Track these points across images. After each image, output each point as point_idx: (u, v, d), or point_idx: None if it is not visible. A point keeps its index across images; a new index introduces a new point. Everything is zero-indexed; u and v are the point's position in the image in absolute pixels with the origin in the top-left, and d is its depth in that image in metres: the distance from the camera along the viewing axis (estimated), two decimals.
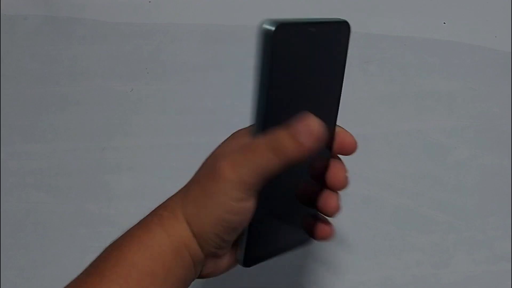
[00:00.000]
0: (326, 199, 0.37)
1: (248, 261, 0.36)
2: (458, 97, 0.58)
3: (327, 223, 0.38)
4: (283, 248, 0.38)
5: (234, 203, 0.31)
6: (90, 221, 0.54)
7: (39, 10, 0.63)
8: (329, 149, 0.37)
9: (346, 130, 0.37)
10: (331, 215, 0.37)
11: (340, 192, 0.38)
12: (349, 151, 0.36)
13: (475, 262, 0.52)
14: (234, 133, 0.36)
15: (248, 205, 0.31)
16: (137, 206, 0.55)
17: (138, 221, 0.34)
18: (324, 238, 0.38)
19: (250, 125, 0.32)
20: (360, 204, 0.54)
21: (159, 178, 0.55)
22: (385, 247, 0.53)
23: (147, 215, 0.34)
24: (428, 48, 0.60)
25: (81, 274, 0.33)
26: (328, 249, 0.53)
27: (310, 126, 0.30)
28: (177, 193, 0.35)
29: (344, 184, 0.37)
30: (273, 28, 0.30)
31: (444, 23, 0.61)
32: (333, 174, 0.37)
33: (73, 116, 0.58)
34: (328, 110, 0.35)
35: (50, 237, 0.53)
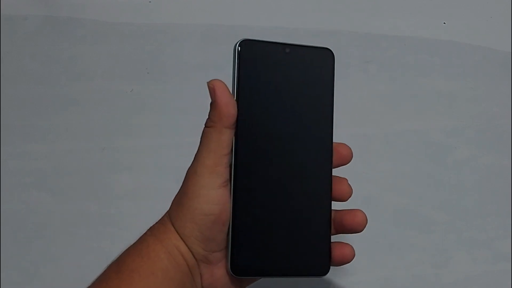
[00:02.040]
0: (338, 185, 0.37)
1: (236, 268, 0.35)
2: (458, 97, 0.58)
3: (345, 244, 0.37)
4: (287, 269, 0.36)
5: (205, 191, 0.33)
6: (90, 221, 0.54)
7: (39, 10, 0.63)
8: (329, 165, 0.37)
9: (340, 143, 0.38)
10: (358, 229, 0.37)
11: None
12: (346, 161, 0.38)
13: (475, 262, 0.52)
14: None
15: (220, 192, 0.34)
16: (137, 206, 0.55)
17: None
18: (343, 259, 0.37)
19: None
20: (360, 204, 0.54)
21: (159, 178, 0.55)
22: (385, 247, 0.53)
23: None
24: (428, 48, 0.60)
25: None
26: None
27: (211, 85, 0.34)
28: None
29: (349, 195, 0.38)
30: (238, 45, 0.35)
31: (444, 23, 0.61)
32: (336, 185, 0.38)
33: (73, 116, 0.58)
34: (319, 130, 0.36)
35: (50, 237, 0.53)
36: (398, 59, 0.60)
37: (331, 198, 0.37)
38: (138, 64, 0.61)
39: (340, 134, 0.57)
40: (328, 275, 0.53)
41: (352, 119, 0.57)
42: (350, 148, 0.37)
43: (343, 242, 0.37)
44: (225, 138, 0.34)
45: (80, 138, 0.57)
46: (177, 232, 0.34)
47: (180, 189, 0.35)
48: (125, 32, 0.62)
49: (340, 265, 0.37)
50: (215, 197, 0.34)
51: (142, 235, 0.36)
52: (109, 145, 0.57)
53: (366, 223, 0.37)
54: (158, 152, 0.56)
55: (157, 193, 0.54)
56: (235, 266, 0.35)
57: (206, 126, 0.35)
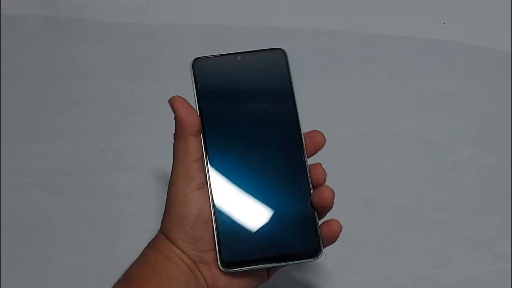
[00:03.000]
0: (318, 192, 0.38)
1: (225, 263, 0.36)
2: (458, 97, 0.58)
3: (330, 220, 0.38)
4: (278, 257, 0.37)
5: (181, 196, 0.36)
6: (90, 221, 0.54)
7: (39, 10, 0.63)
8: (301, 153, 0.39)
9: (312, 130, 0.39)
10: (327, 203, 0.37)
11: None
12: (321, 145, 0.39)
13: (475, 262, 0.52)
14: None
15: (195, 195, 0.36)
16: (137, 206, 0.55)
17: None
18: (331, 235, 0.38)
19: None
20: (360, 204, 0.54)
21: (159, 178, 0.55)
22: (385, 247, 0.53)
23: None
24: (428, 48, 0.60)
25: None
26: (328, 249, 0.53)
27: (171, 101, 0.39)
28: None
29: (324, 177, 0.39)
30: (191, 63, 0.39)
31: (444, 23, 0.62)
32: (311, 171, 0.39)
33: (73, 116, 0.58)
34: (285, 121, 0.39)
35: (50, 237, 0.53)
36: (398, 59, 0.60)
37: (310, 183, 0.38)
38: (138, 64, 0.61)
39: (340, 134, 0.58)
40: (328, 275, 0.53)
41: (352, 119, 0.57)
42: (321, 133, 0.39)
43: (328, 220, 0.38)
44: (191, 145, 0.37)
45: (80, 138, 0.57)
46: (168, 239, 0.37)
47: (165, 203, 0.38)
48: (125, 32, 0.62)
49: (330, 243, 0.38)
50: (190, 199, 0.36)
51: (142, 251, 0.38)
52: (109, 145, 0.57)
53: (333, 196, 0.38)
54: (158, 152, 0.56)
55: (157, 193, 0.54)
56: (224, 261, 0.36)
57: (174, 139, 0.38)
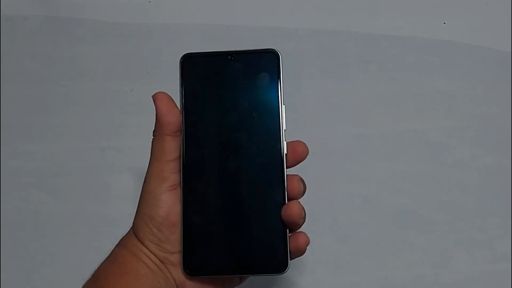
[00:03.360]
0: (288, 207, 0.36)
1: (188, 268, 0.36)
2: (458, 97, 0.58)
3: (298, 233, 0.37)
4: (242, 268, 0.36)
5: (151, 196, 0.36)
6: (90, 221, 0.54)
7: (39, 10, 0.63)
8: (280, 163, 0.37)
9: (296, 140, 0.38)
10: (294, 220, 0.36)
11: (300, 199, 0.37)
12: (303, 156, 0.38)
13: (475, 262, 0.52)
14: None
15: (166, 196, 0.36)
16: (137, 206, 0.55)
17: None
18: (297, 249, 0.37)
19: None
20: (360, 204, 0.54)
21: None
22: (385, 247, 0.53)
23: None
24: (428, 48, 0.60)
25: None
26: (328, 249, 0.53)
27: (154, 97, 0.37)
28: None
29: (299, 191, 0.37)
30: (180, 59, 0.38)
31: (444, 23, 0.61)
32: (288, 183, 0.37)
33: (73, 116, 0.58)
34: (268, 131, 0.38)
35: (50, 237, 0.53)
36: (398, 59, 0.60)
37: (285, 196, 0.37)
38: (138, 64, 0.60)
39: (340, 134, 0.58)
40: (328, 274, 0.53)
41: (352, 119, 0.57)
42: (304, 143, 0.38)
43: (297, 232, 0.37)
44: (167, 145, 0.36)
45: (80, 138, 0.57)
46: (136, 236, 0.36)
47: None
48: (125, 32, 0.62)
49: (298, 256, 0.37)
50: (160, 201, 0.36)
51: (112, 249, 0.38)
52: (109, 145, 0.57)
53: (302, 213, 0.36)
54: None
55: None
56: (187, 266, 0.36)
57: (152, 136, 0.37)
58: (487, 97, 0.58)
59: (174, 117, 0.37)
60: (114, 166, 0.56)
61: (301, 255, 0.37)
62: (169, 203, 0.36)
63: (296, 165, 0.38)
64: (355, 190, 0.55)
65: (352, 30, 0.61)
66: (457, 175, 0.55)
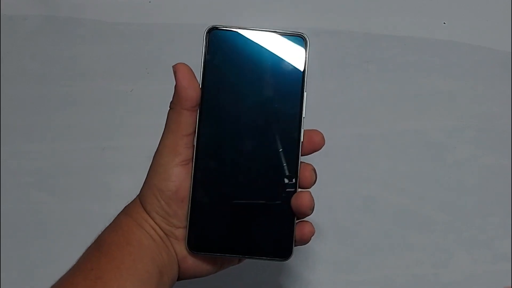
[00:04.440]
0: (298, 196, 0.37)
1: (192, 244, 0.36)
2: (458, 97, 0.58)
3: (305, 222, 0.37)
4: (246, 250, 0.36)
5: (163, 169, 0.35)
6: (90, 221, 0.54)
7: (39, 10, 0.63)
8: (296, 150, 0.37)
9: (313, 129, 0.38)
10: (304, 211, 0.36)
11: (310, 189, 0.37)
12: (319, 146, 0.38)
13: (475, 262, 0.52)
14: None
15: (177, 170, 0.35)
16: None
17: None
18: (303, 238, 0.37)
19: None
20: (360, 204, 0.54)
21: None
22: (385, 247, 0.53)
23: None
24: (428, 48, 0.60)
25: (71, 270, 0.36)
26: (328, 249, 0.53)
27: (174, 68, 0.36)
28: None
29: (311, 181, 0.37)
30: (207, 31, 0.36)
31: (444, 23, 0.62)
32: (301, 171, 0.37)
33: (73, 116, 0.58)
34: (287, 116, 0.37)
35: (50, 237, 0.53)
36: (398, 59, 0.60)
37: (297, 183, 0.37)
38: (138, 64, 0.60)
39: (340, 134, 0.58)
40: (328, 274, 0.53)
41: (352, 119, 0.57)
42: (321, 134, 0.37)
43: (303, 221, 0.37)
44: (184, 120, 0.36)
45: (80, 138, 0.57)
46: (142, 207, 0.36)
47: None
48: (125, 32, 0.62)
49: (302, 244, 0.37)
50: (172, 175, 0.35)
51: (116, 216, 0.37)
52: (109, 145, 0.57)
53: (312, 205, 0.36)
54: None
55: None
56: (191, 242, 0.36)
57: (169, 107, 0.37)
58: (487, 97, 0.58)
59: (194, 92, 0.36)
60: (114, 166, 0.56)
61: (305, 244, 0.37)
62: (180, 177, 0.36)
63: (309, 154, 0.38)
64: (355, 190, 0.55)
65: (352, 30, 0.61)
66: (457, 175, 0.55)
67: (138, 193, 0.38)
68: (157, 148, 0.36)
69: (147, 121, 0.58)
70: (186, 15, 0.63)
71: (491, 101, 0.58)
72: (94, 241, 0.36)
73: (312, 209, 0.36)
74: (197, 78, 0.36)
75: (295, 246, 0.37)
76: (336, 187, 0.55)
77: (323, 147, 0.38)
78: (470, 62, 0.60)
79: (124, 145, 0.57)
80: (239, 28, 0.37)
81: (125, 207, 0.38)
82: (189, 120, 0.36)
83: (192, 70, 0.36)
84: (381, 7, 0.62)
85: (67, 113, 0.58)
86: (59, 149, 0.57)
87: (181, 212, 0.36)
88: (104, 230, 0.37)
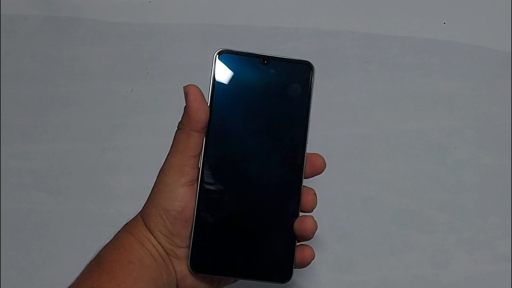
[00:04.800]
0: (301, 220, 0.37)
1: (194, 264, 0.36)
2: (458, 97, 0.58)
3: (305, 246, 0.38)
4: (246, 272, 0.37)
5: (169, 189, 0.36)
6: (90, 221, 0.54)
7: (39, 10, 0.63)
8: (299, 174, 0.38)
9: (314, 153, 0.39)
10: (307, 235, 0.37)
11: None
12: (320, 170, 0.39)
13: (475, 262, 0.52)
14: None
15: (183, 190, 0.36)
16: (137, 206, 0.54)
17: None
18: (304, 261, 0.38)
19: None
20: (360, 204, 0.54)
21: None
22: (385, 247, 0.53)
23: None
24: (428, 48, 0.60)
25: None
26: (328, 249, 0.53)
27: (185, 90, 0.36)
28: None
29: (313, 206, 0.38)
30: (216, 54, 0.37)
31: (444, 23, 0.62)
32: (302, 196, 0.38)
33: (73, 116, 0.58)
34: (292, 141, 0.38)
35: (50, 237, 0.53)
36: (398, 59, 0.60)
37: (299, 208, 0.38)
38: (138, 64, 0.61)
39: (340, 134, 0.58)
40: (328, 274, 0.53)
41: (352, 119, 0.57)
42: (323, 158, 0.38)
43: (304, 245, 0.38)
44: (193, 141, 0.36)
45: (80, 138, 0.57)
46: (145, 225, 0.37)
47: (152, 187, 0.38)
48: (125, 32, 0.62)
49: (301, 267, 0.38)
50: (178, 195, 0.36)
51: (117, 233, 0.38)
52: (109, 145, 0.57)
53: (315, 229, 0.37)
54: (158, 152, 0.56)
55: None
56: (193, 262, 0.36)
57: (177, 128, 0.37)
58: (487, 97, 0.58)
59: (204, 114, 0.36)
60: (114, 166, 0.56)
61: (304, 267, 0.38)
62: (186, 198, 0.36)
63: (310, 177, 0.38)
64: (355, 190, 0.55)
65: (352, 30, 0.61)
66: (457, 175, 0.55)
67: (137, 197, 0.38)
68: (163, 167, 0.37)
69: (147, 121, 0.58)
70: (186, 15, 0.63)
71: (491, 101, 0.58)
72: (95, 257, 0.37)
73: (314, 233, 0.37)
74: (206, 100, 0.37)
75: (294, 268, 0.37)
76: (336, 187, 0.55)
77: (323, 148, 0.38)
78: (470, 62, 0.60)
79: (124, 145, 0.57)
80: (248, 53, 0.38)
81: (126, 224, 0.38)
82: (197, 141, 0.36)
83: (202, 92, 0.36)
84: (381, 7, 0.63)
85: (67, 113, 0.58)
86: (59, 149, 0.57)
87: (185, 232, 0.36)
88: (104, 247, 0.37)
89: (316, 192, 0.38)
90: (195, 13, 0.63)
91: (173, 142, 0.37)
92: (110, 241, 0.37)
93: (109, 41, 0.61)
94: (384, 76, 0.59)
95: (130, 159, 0.56)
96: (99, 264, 0.36)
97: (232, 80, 0.37)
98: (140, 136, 0.57)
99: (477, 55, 0.60)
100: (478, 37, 0.60)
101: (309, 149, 0.38)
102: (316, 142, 0.54)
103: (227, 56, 0.37)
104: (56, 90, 0.59)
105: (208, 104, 0.37)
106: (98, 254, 0.37)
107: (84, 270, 0.36)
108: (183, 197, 0.36)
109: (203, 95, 0.36)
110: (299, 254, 0.37)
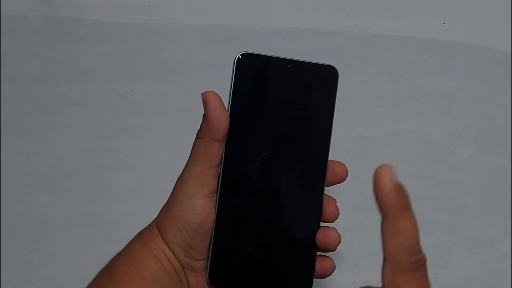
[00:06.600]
0: (323, 231, 0.36)
1: (213, 278, 0.35)
2: (458, 97, 0.58)
3: (327, 257, 0.37)
4: (266, 285, 0.36)
5: (189, 200, 0.34)
6: (90, 221, 0.54)
7: (39, 10, 0.63)
8: (321, 184, 0.37)
9: (336, 161, 0.37)
10: (331, 248, 0.36)
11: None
12: (341, 179, 0.38)
13: (475, 262, 0.52)
14: None
15: (204, 202, 0.34)
16: (137, 206, 0.55)
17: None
18: (324, 274, 0.37)
19: None
20: (360, 204, 0.54)
21: (159, 178, 0.55)
22: None
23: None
24: (428, 48, 0.60)
25: None
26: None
27: (204, 97, 0.34)
28: None
29: (335, 217, 0.37)
30: (238, 57, 0.35)
31: (444, 23, 0.61)
32: (325, 206, 0.37)
33: (73, 116, 0.58)
34: (315, 149, 0.36)
35: (50, 237, 0.53)
36: (398, 59, 0.60)
37: (320, 219, 0.36)
38: (138, 64, 0.60)
39: (340, 134, 0.58)
40: None
41: (352, 119, 0.57)
42: (345, 166, 0.37)
43: (324, 256, 0.37)
44: (213, 151, 0.34)
45: (80, 138, 0.57)
46: (162, 238, 0.35)
47: (169, 197, 0.36)
48: (125, 32, 0.62)
49: (320, 278, 0.37)
50: (198, 207, 0.34)
51: (130, 241, 0.37)
52: (109, 145, 0.57)
53: (339, 242, 0.36)
54: (158, 152, 0.56)
55: (157, 193, 0.53)
56: (212, 275, 0.35)
57: (197, 137, 0.35)
58: (487, 97, 0.58)
59: (224, 123, 0.34)
60: (114, 166, 0.56)
61: (323, 279, 0.37)
62: (206, 210, 0.35)
63: (331, 186, 0.37)
64: (356, 190, 0.55)
65: (352, 30, 0.61)
66: (457, 175, 0.55)
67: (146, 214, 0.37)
68: (182, 177, 0.35)
69: (147, 121, 0.58)
70: (186, 15, 0.63)
71: (491, 101, 0.58)
72: (106, 267, 0.35)
73: (337, 246, 0.36)
74: (225, 107, 0.35)
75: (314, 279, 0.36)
76: (336, 187, 0.55)
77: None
78: (470, 62, 0.60)
79: (124, 145, 0.57)
80: (271, 57, 0.35)
81: (141, 233, 0.37)
82: (218, 151, 0.35)
83: (221, 99, 0.34)
84: (381, 7, 0.62)
85: (67, 113, 0.58)
86: (59, 149, 0.57)
87: (203, 245, 0.35)
88: (116, 256, 0.36)
89: None
90: (195, 13, 0.63)
91: (192, 151, 0.35)
92: (122, 250, 0.36)
93: (109, 41, 0.61)
94: (384, 76, 0.59)
95: (130, 159, 0.56)
96: (109, 277, 0.34)
97: (253, 84, 0.35)
98: (140, 136, 0.57)
99: (477, 55, 0.60)
100: (478, 37, 0.60)
101: None
102: None
103: (248, 59, 0.35)
104: (56, 90, 0.59)
105: (228, 111, 0.35)
106: (109, 264, 0.36)
107: (93, 281, 0.35)
108: (204, 209, 0.34)
109: (222, 101, 0.34)
110: (319, 266, 0.36)
